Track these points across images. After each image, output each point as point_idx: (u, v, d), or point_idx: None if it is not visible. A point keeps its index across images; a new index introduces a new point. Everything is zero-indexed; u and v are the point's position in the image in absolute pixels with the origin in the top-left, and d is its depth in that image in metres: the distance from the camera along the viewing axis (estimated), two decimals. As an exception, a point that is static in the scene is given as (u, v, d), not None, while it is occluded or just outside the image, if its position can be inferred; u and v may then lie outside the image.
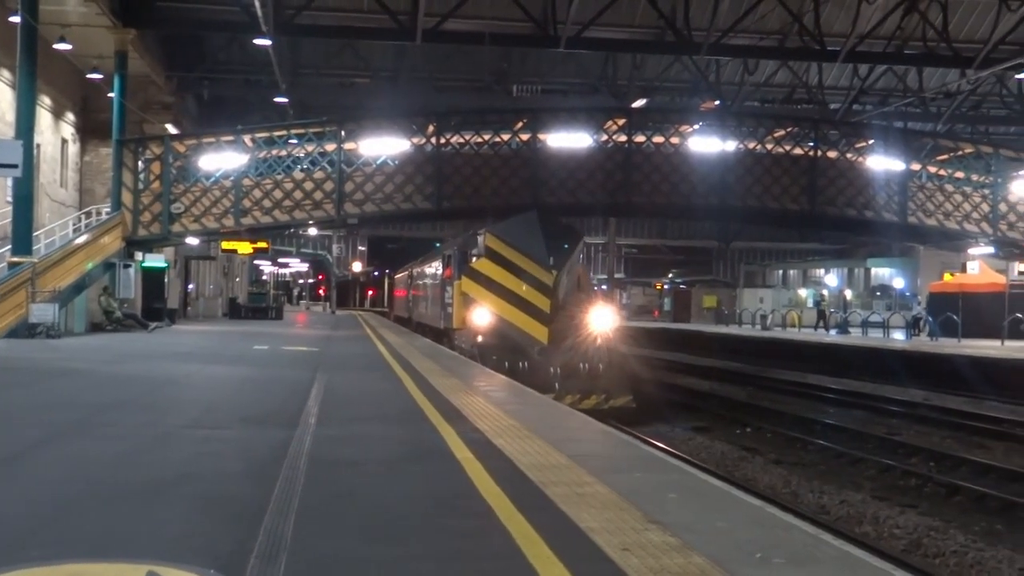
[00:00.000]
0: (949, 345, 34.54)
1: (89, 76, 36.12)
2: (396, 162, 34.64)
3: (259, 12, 30.19)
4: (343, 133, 34.53)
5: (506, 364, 20.87)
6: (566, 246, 24.21)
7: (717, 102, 42.13)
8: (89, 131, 38.97)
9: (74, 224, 33.73)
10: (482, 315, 23.44)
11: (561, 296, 23.36)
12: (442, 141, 34.82)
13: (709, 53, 36.41)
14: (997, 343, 34.81)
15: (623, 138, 35.23)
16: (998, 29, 34.23)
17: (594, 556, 5.02)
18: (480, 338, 22.95)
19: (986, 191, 38.04)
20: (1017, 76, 39.06)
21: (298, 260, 73.07)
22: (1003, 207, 38.07)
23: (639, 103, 41.84)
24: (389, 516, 6.06)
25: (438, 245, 30.18)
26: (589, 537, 5.40)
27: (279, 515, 5.81)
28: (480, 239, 25.24)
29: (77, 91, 37.66)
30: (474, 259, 25.56)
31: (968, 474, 15.67)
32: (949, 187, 37.55)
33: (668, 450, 15.67)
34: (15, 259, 24.65)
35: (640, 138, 35.51)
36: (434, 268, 33.60)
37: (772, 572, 4.90)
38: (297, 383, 14.69)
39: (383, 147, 34.80)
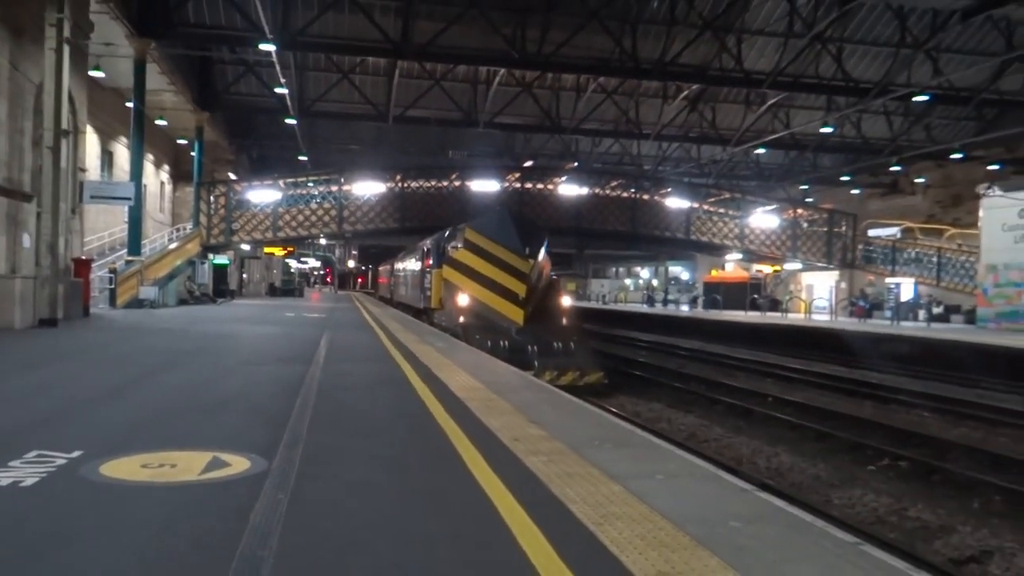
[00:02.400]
0: (715, 314, 35.78)
1: (179, 141, 36.03)
2: (376, 198, 34.96)
3: (289, 103, 30.55)
4: (342, 179, 34.70)
5: (488, 343, 15.35)
6: (536, 239, 18.26)
7: (576, 163, 42.77)
8: (178, 177, 38.71)
9: (168, 236, 33.58)
10: (464, 299, 17.18)
11: (533, 282, 17.40)
12: (405, 185, 35.23)
13: (571, 133, 37.00)
14: (743, 313, 36.23)
15: (518, 185, 35.60)
16: (745, 122, 35.40)
17: (495, 443, 5.05)
18: (462, 319, 16.83)
19: (736, 220, 38.68)
20: (755, 152, 40.05)
21: (313, 259, 72.30)
22: (746, 231, 38.74)
23: (528, 163, 42.35)
24: (369, 419, 6.02)
25: (429, 240, 22.87)
26: (493, 432, 5.42)
27: (299, 419, 5.77)
28: (460, 233, 18.79)
29: (171, 151, 37.39)
30: (453, 250, 18.94)
31: (724, 392, 15.75)
32: (715, 218, 38.57)
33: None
34: (130, 258, 24.65)
35: (529, 185, 35.83)
36: (414, 259, 27.11)
37: (604, 452, 4.87)
38: (312, 337, 14.39)
39: (368, 188, 34.98)
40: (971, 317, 29.01)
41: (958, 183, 38.45)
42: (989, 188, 27.58)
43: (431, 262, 21.06)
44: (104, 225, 28.02)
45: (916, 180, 41.13)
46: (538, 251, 17.74)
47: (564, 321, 17.91)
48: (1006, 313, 26.10)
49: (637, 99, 35.68)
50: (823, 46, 28.62)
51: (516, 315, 16.81)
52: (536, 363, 15.17)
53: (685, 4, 27.91)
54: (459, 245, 18.37)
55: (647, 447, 5.16)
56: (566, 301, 19.40)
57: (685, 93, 35.13)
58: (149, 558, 2.97)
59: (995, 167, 35.24)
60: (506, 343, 15.76)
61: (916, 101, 30.69)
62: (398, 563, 2.96)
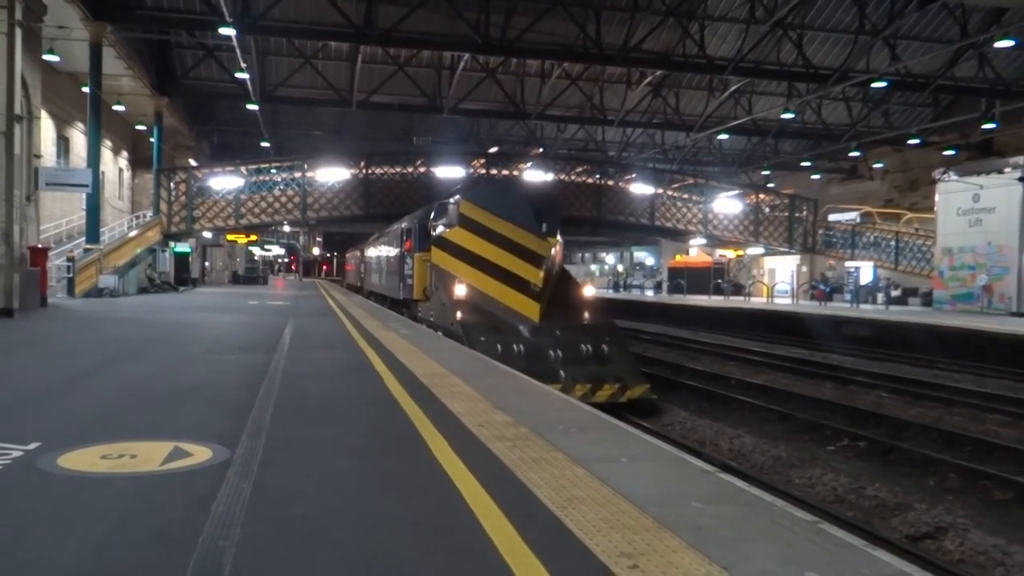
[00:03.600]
0: (679, 299, 36.12)
1: (137, 127, 35.29)
2: (340, 184, 34.62)
3: (250, 87, 30.07)
4: (306, 166, 34.26)
5: (497, 348, 11.99)
6: (550, 214, 14.46)
7: (541, 149, 42.76)
8: (137, 163, 37.90)
9: (128, 224, 32.95)
10: (460, 290, 13.73)
11: (549, 268, 13.95)
12: (369, 171, 34.95)
13: (536, 119, 37.01)
14: (706, 298, 36.62)
15: (483, 171, 35.59)
16: (708, 108, 35.65)
17: (460, 429, 5.05)
18: (459, 314, 13.14)
19: (700, 206, 38.97)
20: (718, 137, 40.35)
21: (277, 246, 71.50)
22: (710, 216, 39.06)
23: (493, 149, 42.23)
24: (333, 407, 5.97)
25: (408, 219, 19.99)
26: (458, 418, 5.42)
27: (261, 409, 5.70)
28: (452, 208, 15.27)
29: (129, 137, 36.60)
30: (439, 229, 15.79)
31: (687, 376, 15.93)
32: (679, 204, 38.87)
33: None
34: (88, 246, 24.17)
35: (494, 171, 35.68)
36: (390, 242, 23.09)
37: (569, 436, 4.88)
38: (276, 324, 14.22)
39: (332, 174, 34.60)
40: (928, 300, 29.65)
41: (915, 168, 39.16)
42: (944, 173, 28.14)
43: (411, 245, 17.84)
44: (61, 213, 27.37)
45: (875, 165, 41.79)
46: (556, 229, 14.25)
47: (588, 316, 14.14)
48: (961, 295, 26.72)
49: (601, 85, 35.70)
50: (784, 32, 28.87)
51: (530, 310, 13.33)
52: (562, 373, 11.82)
53: (648, -10, 27.95)
54: (451, 223, 15.11)
55: (611, 431, 5.20)
56: (588, 291, 15.54)
57: (649, 79, 35.23)
58: (108, 550, 2.93)
59: (950, 152, 35.94)
60: (521, 347, 12.29)
61: (874, 87, 31.13)
62: (361, 549, 2.95)
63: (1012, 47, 27.52)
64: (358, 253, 40.32)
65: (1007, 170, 25.38)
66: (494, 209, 14.26)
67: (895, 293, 32.09)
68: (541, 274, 13.49)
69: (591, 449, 4.58)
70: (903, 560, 2.94)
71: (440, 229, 15.75)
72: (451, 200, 15.83)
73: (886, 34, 28.11)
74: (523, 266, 13.63)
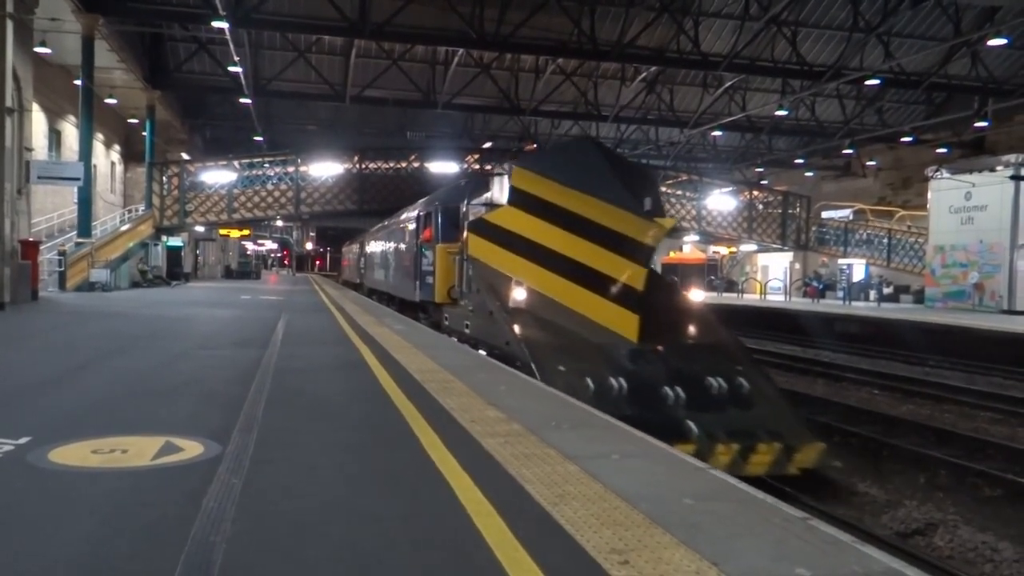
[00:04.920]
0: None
1: (129, 121, 35.16)
2: (334, 179, 34.59)
3: (243, 80, 29.95)
4: (299, 160, 34.27)
5: (588, 383, 8.02)
6: (646, 188, 10.72)
7: (535, 144, 42.74)
8: (130, 157, 37.75)
9: (120, 217, 32.83)
10: (519, 294, 10.01)
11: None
12: (363, 166, 34.95)
13: (530, 115, 36.92)
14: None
15: (477, 167, 35.46)
16: (702, 104, 35.65)
17: (453, 425, 5.03)
18: (519, 329, 9.34)
19: (694, 202, 39.00)
20: (712, 134, 40.33)
21: (270, 241, 71.38)
22: (703, 212, 39.08)
23: (487, 145, 42.21)
24: (324, 402, 5.94)
25: (424, 203, 16.70)
26: (450, 413, 5.40)
27: (254, 404, 5.70)
28: (498, 180, 11.90)
29: (122, 130, 36.44)
30: (475, 211, 12.13)
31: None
32: (673, 200, 38.82)
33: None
34: (80, 240, 24.07)
35: (488, 167, 35.77)
36: (400, 231, 19.23)
37: (561, 433, 4.86)
38: (268, 320, 14.16)
39: (325, 169, 34.57)
40: (919, 297, 29.75)
41: (908, 166, 39.26)
42: (937, 171, 28.23)
43: (432, 234, 14.52)
44: (53, 206, 27.25)
45: (868, 163, 41.88)
46: (661, 208, 11.14)
47: (701, 333, 9.84)
48: (952, 293, 26.83)
49: (595, 81, 35.65)
50: (778, 29, 28.87)
51: (626, 325, 9.24)
52: (692, 426, 7.64)
53: (643, -14, 27.93)
54: (494, 199, 11.82)
55: (604, 428, 5.20)
56: (696, 295, 11.39)
57: (643, 75, 35.21)
58: (98, 545, 2.92)
59: (943, 150, 36.04)
60: (623, 383, 8.04)
61: (868, 85, 31.16)
62: (352, 545, 2.95)
63: (1004, 46, 27.58)
64: (357, 247, 37.05)
65: (999, 168, 25.48)
66: (565, 179, 10.15)
67: (887, 290, 32.20)
68: (645, 273, 9.62)
69: (584, 445, 4.57)
70: (893, 556, 2.95)
71: (477, 211, 12.05)
72: (494, 172, 12.55)
73: (880, 31, 28.13)
74: (615, 261, 9.68)
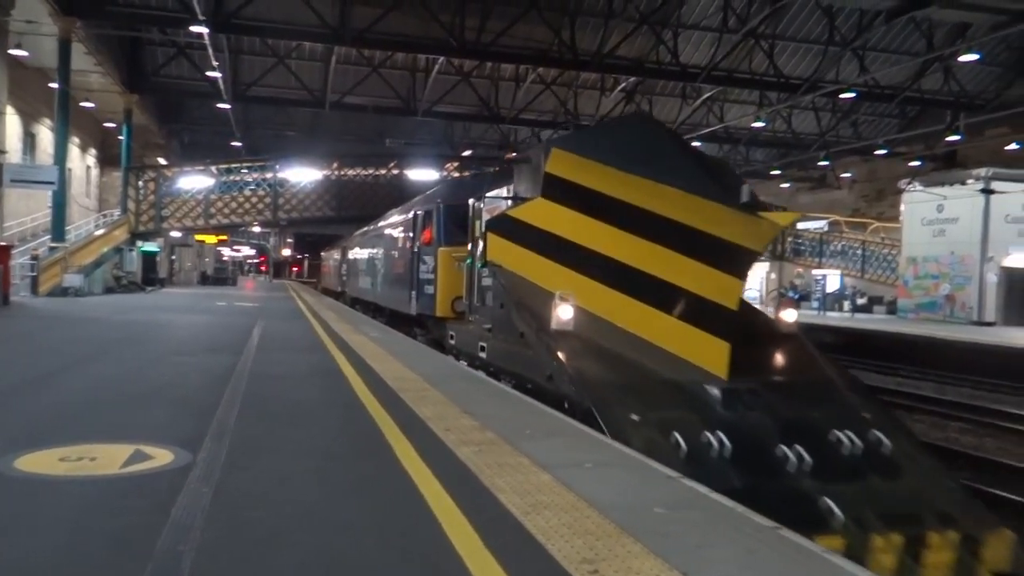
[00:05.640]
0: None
1: (106, 125, 34.82)
2: (312, 185, 34.46)
3: (222, 85, 29.78)
4: (277, 166, 34.07)
5: (677, 439, 5.50)
6: (731, 172, 9.23)
7: (515, 154, 42.75)
8: (106, 161, 37.43)
9: (95, 222, 32.48)
10: (563, 312, 7.21)
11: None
12: (342, 173, 34.87)
13: (510, 123, 37.12)
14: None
15: (457, 174, 35.58)
16: (681, 115, 35.78)
17: (427, 433, 5.02)
18: (567, 359, 6.78)
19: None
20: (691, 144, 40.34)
21: (247, 247, 70.88)
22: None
23: (467, 153, 42.22)
24: (299, 410, 5.90)
25: (422, 201, 14.68)
26: (425, 422, 5.38)
27: (227, 410, 5.67)
28: (527, 168, 9.25)
29: (98, 134, 36.11)
30: (494, 208, 9.93)
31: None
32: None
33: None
34: (54, 244, 23.76)
35: (467, 174, 35.80)
36: (391, 234, 17.28)
37: (535, 441, 4.85)
38: (244, 326, 14.03)
39: (304, 175, 34.44)
40: (892, 308, 30.09)
41: (882, 178, 39.75)
42: (910, 184, 28.62)
43: (432, 236, 12.81)
44: (26, 210, 26.88)
45: (843, 175, 42.35)
46: (757, 202, 7.72)
47: (798, 364, 7.41)
48: (924, 304, 27.17)
49: (575, 90, 35.77)
50: (756, 42, 29.15)
51: (713, 356, 6.72)
52: (831, 506, 5.15)
53: (623, -3, 28.11)
54: (518, 193, 9.40)
55: (578, 436, 5.20)
56: (788, 315, 8.12)
57: (623, 85, 35.39)
58: (63, 554, 2.88)
59: (916, 163, 36.53)
60: (723, 440, 5.68)
61: (843, 98, 31.55)
62: (322, 554, 2.93)
63: (976, 61, 28.06)
64: (338, 252, 35.05)
65: (969, 181, 25.87)
66: (623, 163, 7.62)
67: (861, 301, 32.54)
68: (740, 287, 7.19)
69: (557, 454, 4.57)
70: (861, 568, 2.97)
71: (495, 208, 9.89)
72: (521, 156, 10.11)
73: (855, 46, 28.50)
74: (697, 270, 7.08)
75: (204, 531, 3.10)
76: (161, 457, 4.29)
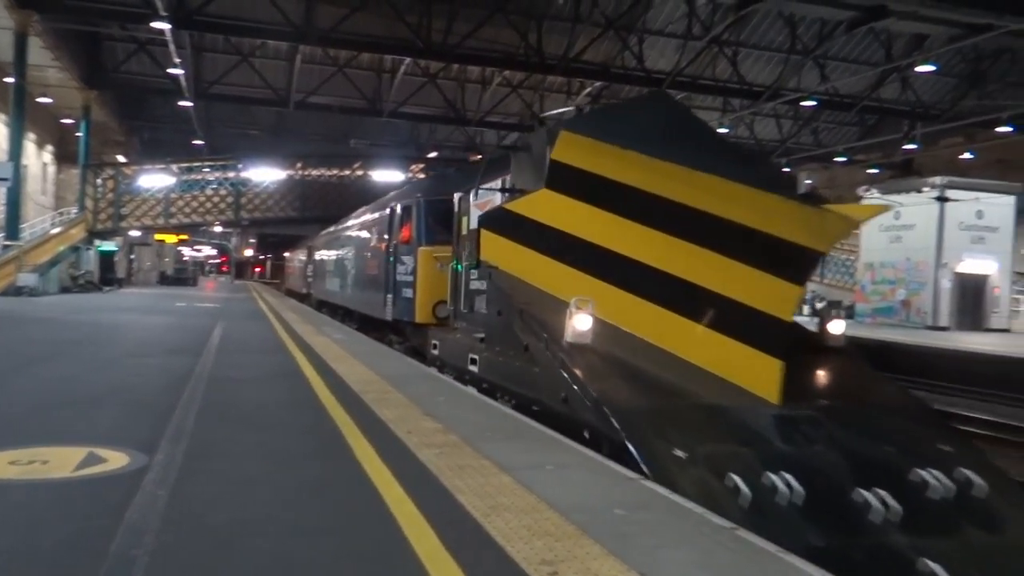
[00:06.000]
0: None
1: (64, 121, 34.11)
2: (275, 185, 34.14)
3: (183, 83, 29.34)
4: (240, 165, 33.75)
5: (739, 485, 4.26)
6: (769, 163, 6.49)
7: (480, 156, 42.73)
8: (63, 158, 36.58)
9: (51, 220, 31.79)
10: (580, 323, 5.93)
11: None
12: (306, 173, 34.60)
13: (476, 125, 37.09)
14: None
15: (422, 175, 35.49)
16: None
17: (388, 436, 4.99)
18: (587, 376, 5.58)
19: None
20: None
21: (209, 247, 69.94)
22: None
23: (433, 155, 42.13)
24: (259, 412, 5.82)
25: (400, 196, 13.45)
26: (386, 424, 5.35)
27: (185, 413, 5.58)
28: (526, 157, 8.10)
29: (55, 131, 35.32)
30: (486, 201, 8.98)
31: None
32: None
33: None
34: (8, 243, 23.25)
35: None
36: (364, 233, 16.24)
37: (497, 443, 4.85)
38: (204, 327, 13.83)
39: (267, 175, 34.13)
40: (850, 312, 30.61)
41: (841, 184, 40.41)
42: (868, 190, 29.14)
43: (411, 234, 11.79)
44: (-21, 207, 26.26)
45: (804, 181, 43.02)
46: (817, 194, 7.18)
47: (858, 384, 6.17)
48: (881, 309, 27.69)
49: (542, 94, 35.89)
50: (720, 49, 29.51)
51: (762, 375, 5.43)
52: (937, 571, 3.85)
53: (589, 2, 28.26)
54: (515, 184, 8.29)
55: (539, 439, 5.21)
56: (835, 327, 6.74)
57: (589, 89, 35.57)
58: (12, 560, 2.81)
59: (874, 170, 37.26)
60: (791, 484, 4.36)
61: (804, 106, 32.09)
62: (279, 557, 2.90)
63: (933, 72, 28.71)
64: (303, 253, 33.70)
65: (925, 189, 26.42)
66: (645, 147, 6.38)
67: (820, 305, 33.05)
68: (798, 295, 5.96)
69: (519, 456, 4.58)
70: (816, 567, 3.02)
71: (488, 202, 8.86)
72: (520, 141, 8.84)
73: (816, 55, 29.02)
74: (749, 276, 5.74)
75: (159, 535, 3.05)
76: (116, 460, 4.21)
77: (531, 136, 8.38)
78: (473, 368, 8.14)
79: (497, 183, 8.79)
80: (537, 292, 6.93)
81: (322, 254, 25.01)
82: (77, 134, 32.04)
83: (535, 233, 7.11)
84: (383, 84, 34.14)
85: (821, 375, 6.24)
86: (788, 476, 4.41)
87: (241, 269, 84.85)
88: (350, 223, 19.38)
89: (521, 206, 7.41)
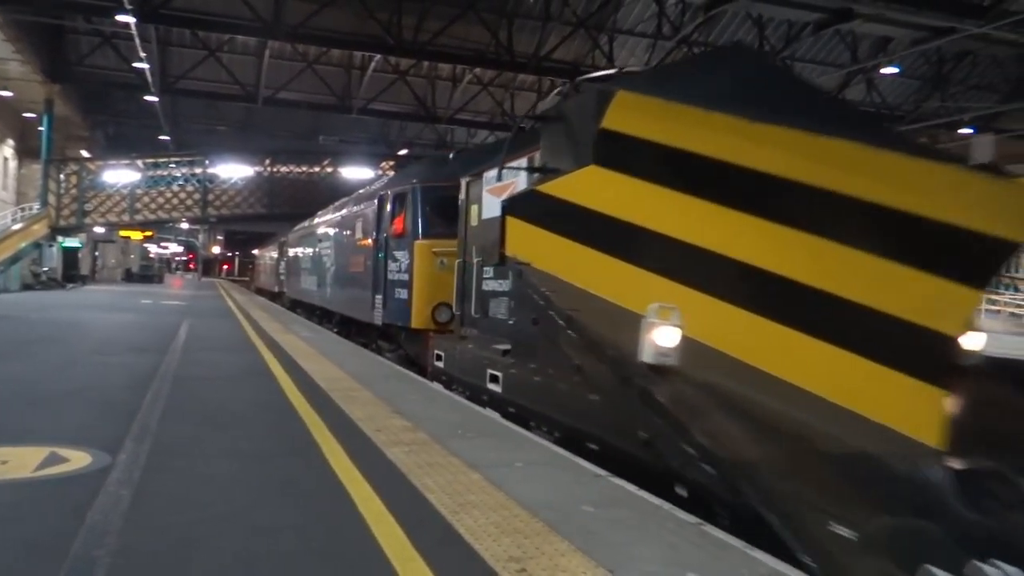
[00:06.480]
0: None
1: (26, 115, 33.37)
2: (243, 182, 33.78)
3: (149, 77, 28.87)
4: (207, 161, 33.39)
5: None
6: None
7: (452, 154, 42.63)
8: (25, 153, 35.76)
9: (12, 216, 31.16)
10: (662, 337, 4.28)
11: None
12: (275, 169, 34.28)
13: (447, 123, 36.98)
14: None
15: (392, 172, 35.34)
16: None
17: (356, 434, 4.98)
18: (678, 411, 4.10)
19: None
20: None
21: (175, 244, 69.01)
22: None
23: (403, 152, 41.94)
24: (225, 411, 5.75)
25: (391, 182, 11.96)
26: (355, 423, 5.33)
27: (149, 412, 5.52)
28: (564, 125, 5.84)
29: (17, 125, 34.57)
30: (512, 183, 6.73)
31: None
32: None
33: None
34: (-33, 239, 22.85)
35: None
36: (349, 224, 14.31)
37: (466, 441, 4.85)
38: (170, 325, 13.67)
39: (235, 171, 33.80)
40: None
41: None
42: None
43: (404, 226, 10.35)
44: (-63, 202, 25.69)
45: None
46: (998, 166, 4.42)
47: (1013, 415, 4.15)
48: None
49: (512, 92, 35.89)
50: (689, 49, 29.70)
51: (922, 413, 3.58)
52: None
53: (560, 1, 28.32)
54: (555, 161, 6.12)
55: (509, 436, 5.21)
56: (972, 340, 4.14)
57: (559, 88, 35.58)
58: (-32, 562, 2.75)
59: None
60: None
61: (772, 106, 32.40)
62: (244, 557, 2.87)
63: (896, 74, 29.18)
64: (275, 249, 31.53)
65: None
66: (738, 109, 4.60)
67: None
68: (977, 303, 4.28)
69: (488, 454, 4.58)
70: (779, 560, 3.06)
71: (512, 184, 6.87)
72: (553, 112, 6.51)
73: (784, 55, 29.34)
74: (902, 278, 3.93)
75: (121, 535, 3.01)
76: (78, 460, 4.15)
77: (568, 103, 6.46)
78: (494, 387, 6.60)
79: (522, 161, 6.80)
80: (588, 296, 5.26)
81: (297, 250, 22.94)
82: (39, 128, 31.36)
83: (579, 221, 5.46)
84: (353, 81, 33.93)
85: (970, 408, 4.15)
86: (1003, 565, 3.07)
87: (208, 266, 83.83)
88: (330, 215, 17.55)
89: (560, 187, 5.72)
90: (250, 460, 4.35)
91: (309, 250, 19.94)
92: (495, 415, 5.93)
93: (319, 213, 20.47)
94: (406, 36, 25.69)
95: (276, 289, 29.28)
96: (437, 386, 7.55)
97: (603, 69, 28.46)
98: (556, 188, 5.77)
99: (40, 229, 29.54)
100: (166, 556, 2.85)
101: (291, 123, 41.31)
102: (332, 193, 30.79)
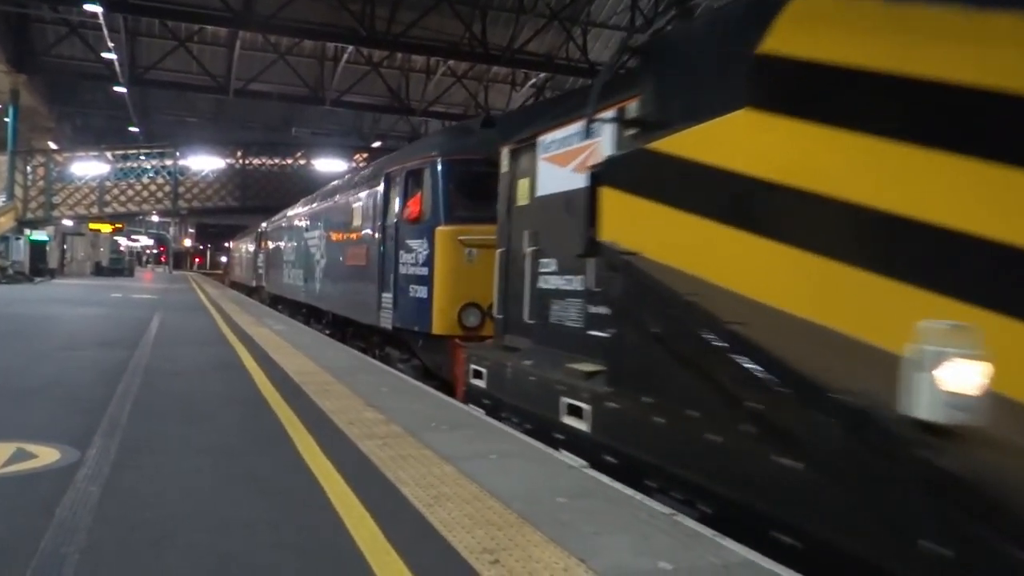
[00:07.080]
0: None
1: (-11, 106, 32.82)
2: (215, 174, 33.41)
3: (118, 68, 28.44)
4: (178, 153, 32.96)
5: None
6: None
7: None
8: (-11, 144, 35.30)
9: (-23, 208, 30.63)
10: (968, 378, 2.27)
11: None
12: (246, 162, 33.92)
13: (420, 115, 36.83)
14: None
15: (365, 164, 35.17)
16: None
17: (330, 428, 4.96)
18: (986, 481, 2.15)
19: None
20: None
21: (146, 237, 68.04)
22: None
23: (376, 144, 41.72)
24: (196, 405, 5.71)
25: (408, 153, 9.67)
26: (328, 416, 5.31)
27: (119, 407, 5.47)
28: (684, 53, 4.22)
29: (-20, 115, 34.01)
30: (553, 154, 5.51)
31: None
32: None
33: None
34: (-69, 232, 22.40)
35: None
36: (345, 206, 12.03)
37: (440, 434, 4.86)
38: (140, 319, 13.55)
39: (206, 163, 33.40)
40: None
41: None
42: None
43: (420, 209, 8.57)
44: (-102, 195, 25.12)
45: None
46: None
47: None
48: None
49: (486, 84, 35.87)
50: (662, 42, 29.84)
51: None
52: None
53: (534, -7, 28.32)
54: (669, 110, 4.12)
55: (482, 428, 5.22)
56: None
57: (533, 81, 35.62)
58: (-67, 561, 2.71)
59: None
60: None
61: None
62: (216, 553, 2.85)
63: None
64: (251, 240, 29.51)
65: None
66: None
67: None
68: None
69: (461, 446, 4.58)
70: (749, 549, 3.09)
71: (591, 147, 5.13)
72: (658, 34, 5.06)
73: (755, 49, 29.56)
74: None
75: (91, 532, 2.98)
76: (46, 456, 4.10)
77: (693, 24, 4.81)
78: (577, 425, 4.78)
79: (609, 114, 4.95)
80: (759, 308, 3.31)
81: (279, 239, 20.63)
82: (5, 119, 30.81)
83: (729, 194, 3.58)
84: (325, 72, 33.67)
85: None
86: None
87: (180, 260, 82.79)
88: (321, 200, 15.46)
89: (693, 145, 3.83)
90: (222, 455, 4.32)
91: (293, 242, 17.86)
92: (470, 409, 5.91)
93: (305, 199, 18.37)
94: (379, 27, 25.55)
95: (254, 283, 27.40)
96: (413, 380, 7.49)
97: (577, 62, 28.71)
98: (684, 146, 3.88)
99: (7, 222, 29.08)
100: (137, 552, 2.82)
101: (263, 115, 40.92)
102: (305, 185, 30.54)
